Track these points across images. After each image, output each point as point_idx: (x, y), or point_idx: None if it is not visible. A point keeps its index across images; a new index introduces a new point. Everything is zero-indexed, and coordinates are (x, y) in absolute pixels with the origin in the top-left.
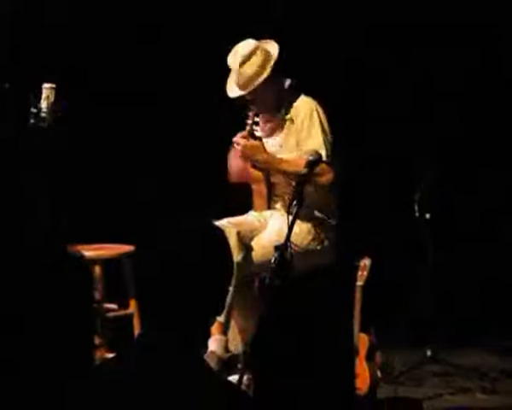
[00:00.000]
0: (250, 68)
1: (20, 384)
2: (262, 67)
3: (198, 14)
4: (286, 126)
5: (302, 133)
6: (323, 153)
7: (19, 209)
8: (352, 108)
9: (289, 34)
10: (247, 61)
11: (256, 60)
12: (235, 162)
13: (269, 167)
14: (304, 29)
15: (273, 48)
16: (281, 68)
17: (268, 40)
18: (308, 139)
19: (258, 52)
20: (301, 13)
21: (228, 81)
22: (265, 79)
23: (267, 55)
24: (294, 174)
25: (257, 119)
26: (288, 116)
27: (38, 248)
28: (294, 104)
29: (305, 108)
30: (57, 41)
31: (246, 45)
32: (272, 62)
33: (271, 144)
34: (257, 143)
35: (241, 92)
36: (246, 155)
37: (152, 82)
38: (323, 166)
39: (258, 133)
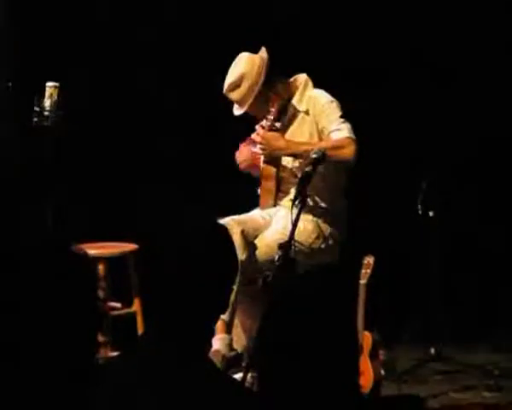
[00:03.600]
0: (238, 94)
1: (20, 383)
2: (250, 89)
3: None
4: (300, 117)
5: (322, 118)
6: (347, 130)
7: (19, 207)
8: (354, 103)
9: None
10: (235, 89)
11: (244, 86)
12: (243, 153)
13: (291, 152)
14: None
15: (261, 60)
16: (275, 71)
17: (261, 50)
18: (329, 123)
19: (245, 78)
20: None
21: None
22: (258, 95)
23: (255, 76)
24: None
25: (277, 124)
26: (304, 108)
27: (40, 245)
28: (309, 95)
29: (323, 97)
30: (60, 39)
31: (232, 73)
32: (261, 80)
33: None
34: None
35: (242, 110)
36: (267, 144)
37: (155, 81)
38: (347, 139)
39: (277, 125)
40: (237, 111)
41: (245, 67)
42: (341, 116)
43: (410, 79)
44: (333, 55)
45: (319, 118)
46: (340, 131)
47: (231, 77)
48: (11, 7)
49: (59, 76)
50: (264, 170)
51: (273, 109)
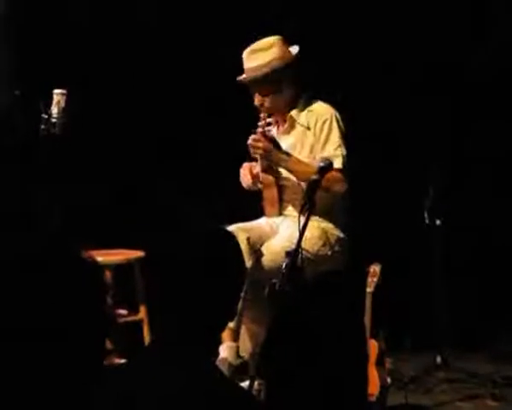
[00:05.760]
0: (255, 61)
1: (28, 390)
2: (264, 65)
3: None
4: (301, 132)
5: (321, 138)
6: (340, 160)
7: (26, 215)
8: (361, 114)
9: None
10: (254, 54)
11: (262, 56)
12: (245, 176)
13: (285, 166)
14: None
15: (289, 54)
16: (296, 77)
17: (294, 46)
18: (326, 145)
19: (270, 50)
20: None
21: None
22: (262, 78)
23: (277, 59)
24: (308, 176)
25: (269, 119)
26: (305, 122)
27: (49, 250)
28: (312, 110)
29: (325, 114)
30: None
31: (264, 41)
32: (276, 65)
33: (283, 145)
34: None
35: (242, 77)
36: (265, 154)
37: (160, 85)
38: (338, 174)
39: (271, 132)
40: (240, 77)
41: (273, 42)
42: (341, 138)
43: (416, 84)
44: (333, 57)
45: (320, 133)
46: (333, 159)
47: (260, 44)
48: (13, 9)
49: (62, 80)
50: (264, 179)
51: (262, 115)
